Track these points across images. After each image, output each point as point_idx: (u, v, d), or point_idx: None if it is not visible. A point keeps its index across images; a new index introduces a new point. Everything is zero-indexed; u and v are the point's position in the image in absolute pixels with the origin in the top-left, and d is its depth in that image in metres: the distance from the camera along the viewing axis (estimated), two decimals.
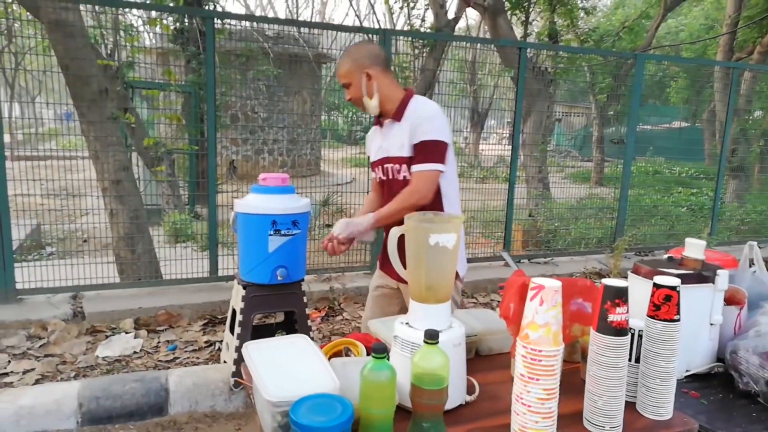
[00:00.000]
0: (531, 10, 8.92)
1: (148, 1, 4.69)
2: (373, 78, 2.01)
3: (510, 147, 4.91)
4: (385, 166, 2.06)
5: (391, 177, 2.06)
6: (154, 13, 4.84)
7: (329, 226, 5.01)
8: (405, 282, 1.46)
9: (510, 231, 4.94)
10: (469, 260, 4.88)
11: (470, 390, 1.38)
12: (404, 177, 2.00)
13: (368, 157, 2.23)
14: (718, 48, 9.65)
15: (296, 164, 9.25)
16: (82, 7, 3.66)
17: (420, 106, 1.98)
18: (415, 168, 1.94)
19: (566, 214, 5.88)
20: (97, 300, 3.59)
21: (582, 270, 4.93)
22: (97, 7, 4.04)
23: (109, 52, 4.84)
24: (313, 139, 7.89)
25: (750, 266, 1.80)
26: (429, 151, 1.91)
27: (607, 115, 8.11)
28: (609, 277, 4.70)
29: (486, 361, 1.59)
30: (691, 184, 8.74)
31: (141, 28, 5.02)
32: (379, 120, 2.11)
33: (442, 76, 6.22)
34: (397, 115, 2.00)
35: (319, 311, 3.87)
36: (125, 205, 3.78)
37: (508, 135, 4.97)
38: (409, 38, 6.49)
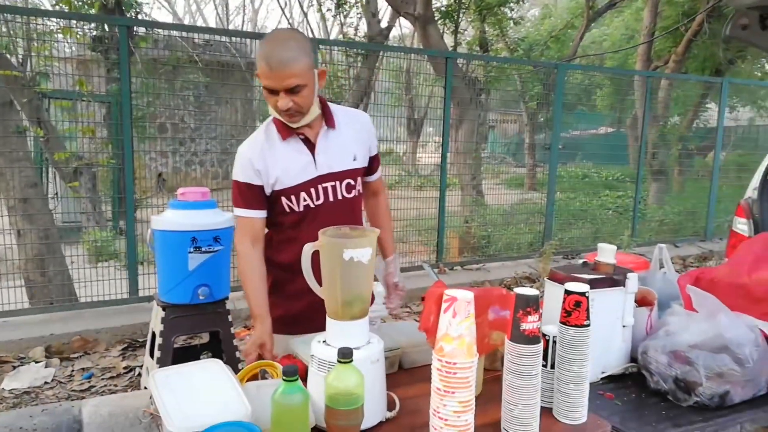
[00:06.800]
0: (460, 20, 9.11)
1: (59, 9, 4.42)
2: (321, 78, 1.56)
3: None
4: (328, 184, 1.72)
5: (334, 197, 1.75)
6: (73, 22, 4.55)
7: None
8: None
9: (443, 238, 4.97)
10: (403, 269, 4.89)
11: (391, 406, 1.34)
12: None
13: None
14: (638, 57, 10.21)
15: (229, 175, 8.98)
16: None
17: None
18: None
19: (499, 219, 6.01)
20: (3, 328, 3.31)
21: (513, 275, 5.03)
22: (4, 15, 3.77)
23: (20, 61, 4.52)
24: None
25: (660, 268, 1.86)
26: None
27: (538, 122, 8.39)
28: (539, 281, 4.85)
29: (409, 375, 1.57)
30: (617, 187, 9.16)
31: (57, 36, 4.69)
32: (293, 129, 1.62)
33: (378, 86, 6.23)
34: (330, 122, 1.65)
35: (249, 329, 3.74)
36: (34, 224, 3.51)
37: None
38: (341, 48, 6.47)
